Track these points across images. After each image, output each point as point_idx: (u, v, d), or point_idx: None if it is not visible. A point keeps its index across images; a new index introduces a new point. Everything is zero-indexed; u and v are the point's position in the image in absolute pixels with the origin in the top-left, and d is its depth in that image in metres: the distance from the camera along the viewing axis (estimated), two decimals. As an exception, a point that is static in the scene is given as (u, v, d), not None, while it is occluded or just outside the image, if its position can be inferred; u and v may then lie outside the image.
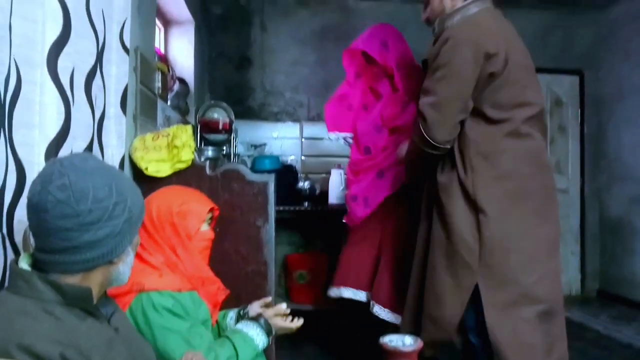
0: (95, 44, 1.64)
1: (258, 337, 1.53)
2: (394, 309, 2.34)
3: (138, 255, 1.50)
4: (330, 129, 2.54)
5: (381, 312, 2.37)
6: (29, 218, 1.01)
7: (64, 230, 0.96)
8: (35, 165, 1.34)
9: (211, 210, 1.71)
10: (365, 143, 2.42)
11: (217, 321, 1.72)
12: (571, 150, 5.07)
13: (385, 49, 2.36)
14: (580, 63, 5.02)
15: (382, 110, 2.40)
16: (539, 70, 2.02)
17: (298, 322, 1.65)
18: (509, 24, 1.99)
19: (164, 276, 1.48)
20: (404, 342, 1.47)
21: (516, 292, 1.82)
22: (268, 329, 1.57)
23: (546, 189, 1.96)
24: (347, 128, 2.52)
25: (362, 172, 2.43)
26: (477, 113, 1.90)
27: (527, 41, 2.00)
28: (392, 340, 1.48)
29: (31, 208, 0.99)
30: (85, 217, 0.97)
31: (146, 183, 2.03)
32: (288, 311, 1.66)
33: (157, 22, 3.43)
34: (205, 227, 1.66)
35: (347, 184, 2.60)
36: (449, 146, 1.93)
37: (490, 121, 1.89)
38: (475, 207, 1.86)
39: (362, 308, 2.50)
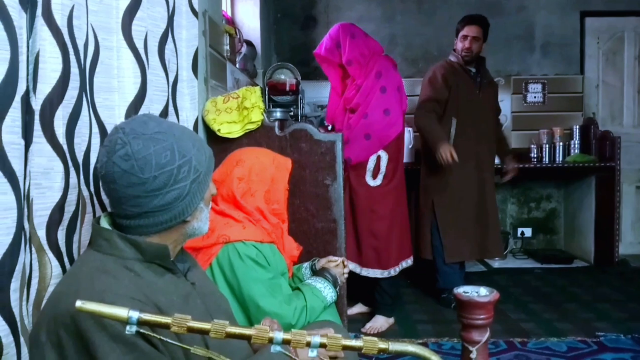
0: (166, 8, 1.67)
1: (326, 290, 1.65)
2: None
3: (220, 212, 1.60)
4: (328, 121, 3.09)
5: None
6: (102, 187, 1.06)
7: (133, 198, 0.99)
8: (116, 127, 1.41)
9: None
10: (330, 121, 3.01)
11: (293, 274, 1.80)
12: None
13: (338, 49, 2.85)
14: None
15: (345, 95, 2.93)
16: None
17: (346, 269, 1.82)
18: None
19: (247, 228, 1.58)
20: (479, 292, 1.45)
21: None
22: (334, 281, 1.71)
23: None
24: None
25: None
26: None
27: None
28: (467, 292, 1.46)
29: (101, 178, 1.03)
30: (151, 183, 0.99)
31: (219, 144, 2.10)
32: (339, 260, 1.83)
33: (223, -15, 3.45)
34: None
35: None
36: None
37: None
38: None
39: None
